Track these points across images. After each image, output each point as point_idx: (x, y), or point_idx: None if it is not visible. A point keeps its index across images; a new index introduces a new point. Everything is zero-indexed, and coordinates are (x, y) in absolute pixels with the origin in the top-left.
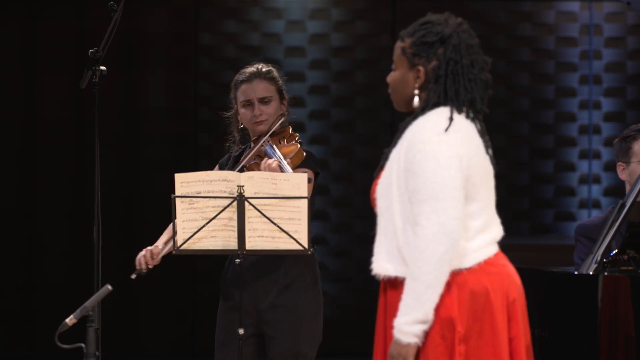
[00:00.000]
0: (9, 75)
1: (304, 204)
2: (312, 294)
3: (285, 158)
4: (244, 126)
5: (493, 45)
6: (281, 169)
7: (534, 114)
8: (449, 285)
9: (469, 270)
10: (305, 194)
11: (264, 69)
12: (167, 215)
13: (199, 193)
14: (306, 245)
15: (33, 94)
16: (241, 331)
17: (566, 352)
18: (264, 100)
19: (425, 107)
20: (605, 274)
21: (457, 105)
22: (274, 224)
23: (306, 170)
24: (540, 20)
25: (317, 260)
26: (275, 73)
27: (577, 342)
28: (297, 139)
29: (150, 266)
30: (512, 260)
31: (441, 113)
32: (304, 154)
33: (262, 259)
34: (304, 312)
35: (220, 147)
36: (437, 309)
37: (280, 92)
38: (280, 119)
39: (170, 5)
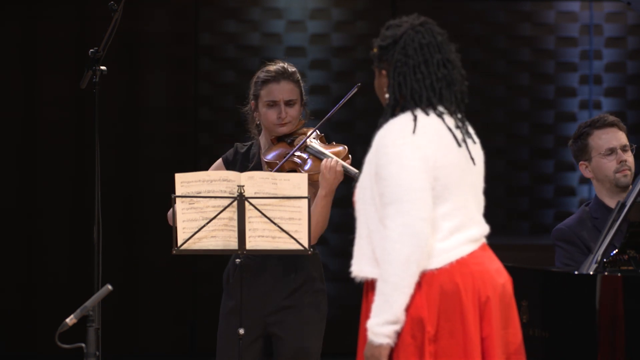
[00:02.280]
0: (9, 75)
1: (304, 204)
2: (319, 296)
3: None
4: (259, 123)
5: (493, 45)
6: (345, 172)
7: (534, 114)
8: (419, 286)
9: (440, 270)
10: (306, 194)
11: (290, 70)
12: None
13: (199, 193)
14: (306, 245)
15: (33, 94)
16: (241, 331)
17: (566, 352)
18: (289, 103)
19: (389, 110)
20: (606, 273)
21: (415, 105)
22: (275, 224)
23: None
24: (541, 20)
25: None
26: (298, 75)
27: (577, 342)
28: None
29: None
30: (512, 260)
31: (407, 115)
32: (350, 157)
33: (270, 262)
34: (312, 313)
35: (221, 147)
36: (408, 309)
37: (302, 95)
38: (301, 123)
39: (170, 5)
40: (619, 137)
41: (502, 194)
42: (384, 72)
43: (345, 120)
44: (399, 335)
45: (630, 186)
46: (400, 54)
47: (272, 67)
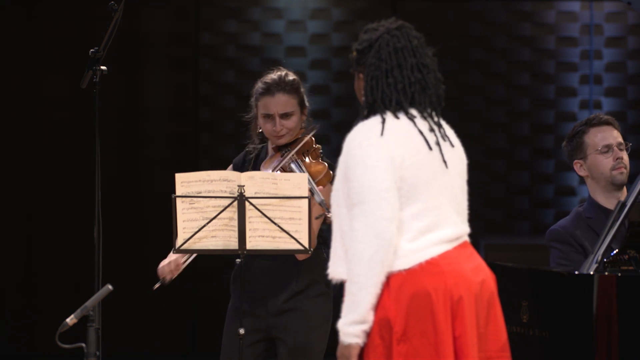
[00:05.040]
0: (9, 75)
1: (304, 204)
2: (323, 299)
3: (313, 179)
4: (262, 130)
5: (493, 45)
6: (311, 193)
7: (535, 114)
8: (387, 286)
9: (409, 271)
10: (306, 194)
11: (287, 79)
12: (167, 215)
13: (200, 193)
14: (307, 245)
15: (33, 94)
16: (241, 331)
17: (566, 352)
18: (285, 116)
19: (362, 113)
20: (606, 273)
21: (385, 108)
22: (275, 223)
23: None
24: (541, 20)
25: None
26: (297, 83)
27: (577, 341)
28: (320, 151)
29: (173, 277)
30: (512, 260)
31: (376, 118)
32: (331, 173)
33: (276, 265)
34: (315, 316)
35: (221, 147)
36: (376, 310)
37: (301, 103)
38: (301, 132)
39: (170, 5)
40: (615, 135)
41: (502, 194)
42: (361, 75)
43: (345, 120)
44: (369, 335)
45: (625, 189)
46: (374, 58)
47: (269, 78)
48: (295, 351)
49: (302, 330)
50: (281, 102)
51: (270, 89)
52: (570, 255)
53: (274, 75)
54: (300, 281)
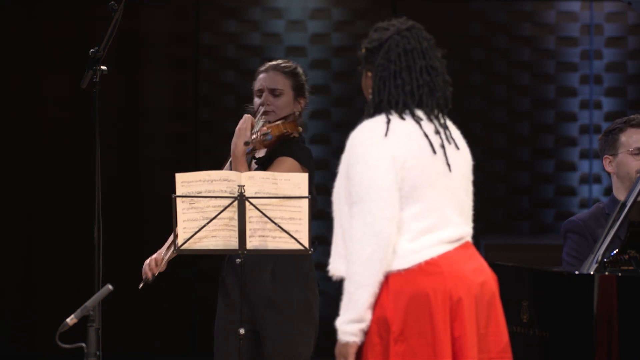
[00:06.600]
0: (9, 75)
1: (304, 204)
2: (304, 286)
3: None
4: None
5: (493, 45)
6: (252, 129)
7: (535, 114)
8: (386, 286)
9: (408, 271)
10: (306, 194)
11: (283, 64)
12: (167, 215)
13: (200, 193)
14: (307, 245)
15: (33, 94)
16: (242, 331)
17: (566, 352)
18: (274, 92)
19: (367, 112)
20: (606, 273)
21: (390, 109)
22: (275, 223)
23: (287, 158)
24: (541, 20)
25: (318, 260)
26: (296, 70)
27: (577, 341)
28: (299, 130)
29: (155, 274)
30: (512, 260)
31: (381, 117)
32: (295, 127)
33: (251, 261)
34: (297, 307)
35: (221, 147)
36: (374, 309)
37: (296, 89)
38: (289, 113)
39: (170, 5)
40: None
41: (502, 194)
42: (369, 74)
43: (345, 120)
44: (367, 334)
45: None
46: (383, 59)
47: (269, 61)
48: (280, 352)
49: (286, 328)
50: (272, 79)
51: (266, 68)
52: (582, 248)
53: (274, 60)
54: (277, 269)
